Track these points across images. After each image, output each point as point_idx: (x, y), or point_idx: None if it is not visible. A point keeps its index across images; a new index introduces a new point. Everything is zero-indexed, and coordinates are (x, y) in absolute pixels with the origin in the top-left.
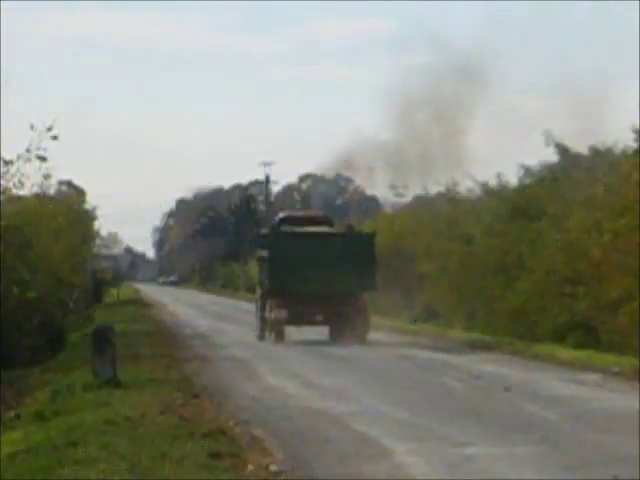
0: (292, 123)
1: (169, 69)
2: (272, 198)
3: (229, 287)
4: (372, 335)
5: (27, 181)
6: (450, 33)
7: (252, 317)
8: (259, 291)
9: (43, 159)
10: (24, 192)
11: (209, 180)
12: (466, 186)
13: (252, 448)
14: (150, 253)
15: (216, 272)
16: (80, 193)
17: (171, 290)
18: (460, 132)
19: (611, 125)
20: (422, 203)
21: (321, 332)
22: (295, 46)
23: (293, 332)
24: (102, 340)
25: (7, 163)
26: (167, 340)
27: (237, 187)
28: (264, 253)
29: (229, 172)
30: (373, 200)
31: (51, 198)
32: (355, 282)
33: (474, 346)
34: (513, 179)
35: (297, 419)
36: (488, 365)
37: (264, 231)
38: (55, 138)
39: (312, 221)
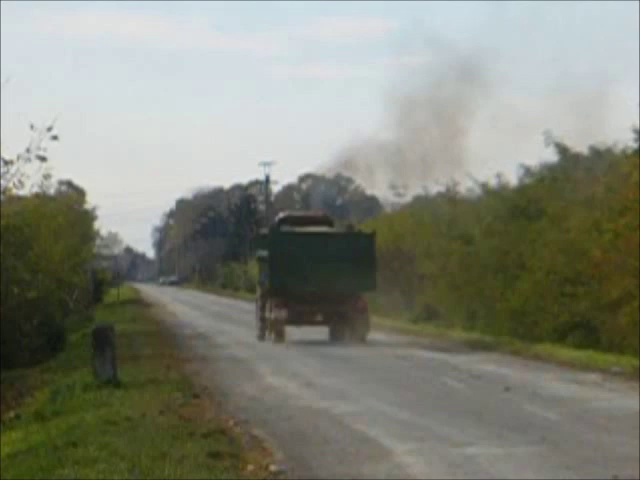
0: (292, 123)
1: (169, 69)
2: (272, 198)
3: (229, 287)
4: (372, 335)
5: (27, 181)
6: (450, 33)
7: (252, 317)
8: (259, 291)
9: (43, 159)
10: (24, 192)
11: (209, 180)
12: (466, 186)
13: (252, 448)
14: (150, 253)
15: (216, 272)
16: (80, 193)
17: (171, 290)
18: (460, 132)
19: (611, 125)
20: (422, 203)
21: (321, 332)
22: (295, 46)
23: (293, 332)
24: (102, 340)
25: (7, 163)
26: (167, 340)
27: (237, 187)
28: (264, 253)
29: (229, 172)
30: (373, 200)
31: (51, 198)
32: (355, 282)
33: (474, 346)
34: (513, 179)
35: (297, 419)
36: (488, 365)
37: (264, 231)
38: (55, 138)
39: (312, 221)
